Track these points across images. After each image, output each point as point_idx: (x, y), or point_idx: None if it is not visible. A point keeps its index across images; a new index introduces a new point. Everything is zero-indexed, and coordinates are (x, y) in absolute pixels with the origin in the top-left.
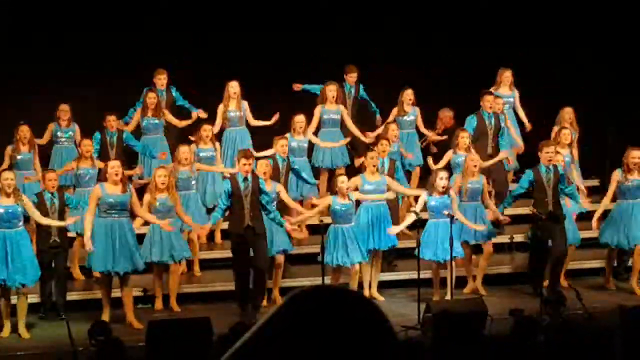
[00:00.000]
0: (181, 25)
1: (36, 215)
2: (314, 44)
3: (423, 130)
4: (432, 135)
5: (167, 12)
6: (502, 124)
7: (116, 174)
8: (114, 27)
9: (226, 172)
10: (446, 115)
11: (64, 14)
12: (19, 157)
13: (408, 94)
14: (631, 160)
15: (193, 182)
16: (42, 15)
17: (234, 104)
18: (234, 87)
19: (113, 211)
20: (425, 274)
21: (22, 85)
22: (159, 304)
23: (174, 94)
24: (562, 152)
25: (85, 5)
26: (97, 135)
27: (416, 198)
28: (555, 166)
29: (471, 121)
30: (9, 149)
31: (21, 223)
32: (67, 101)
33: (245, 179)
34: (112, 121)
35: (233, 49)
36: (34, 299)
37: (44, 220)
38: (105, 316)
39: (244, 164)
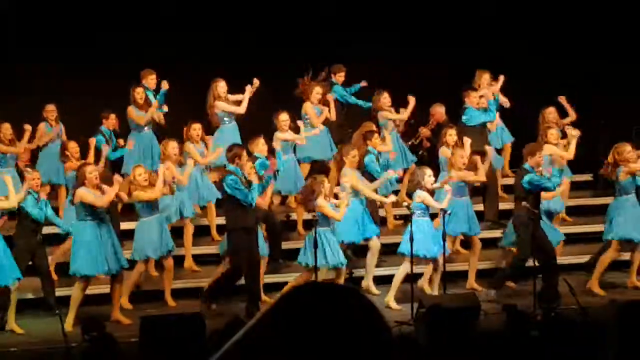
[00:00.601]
0: (172, 25)
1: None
2: (304, 44)
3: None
4: (424, 131)
5: (164, 13)
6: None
7: (95, 178)
8: (113, 28)
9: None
10: (438, 111)
11: (64, 15)
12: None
13: (386, 97)
14: (628, 156)
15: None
16: (42, 16)
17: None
18: (222, 87)
19: (97, 213)
20: (418, 269)
21: (17, 85)
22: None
23: (162, 96)
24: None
25: (85, 6)
26: (101, 138)
27: (409, 194)
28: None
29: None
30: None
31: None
32: (59, 101)
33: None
34: (113, 119)
35: (220, 47)
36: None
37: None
38: (70, 320)
39: (247, 159)
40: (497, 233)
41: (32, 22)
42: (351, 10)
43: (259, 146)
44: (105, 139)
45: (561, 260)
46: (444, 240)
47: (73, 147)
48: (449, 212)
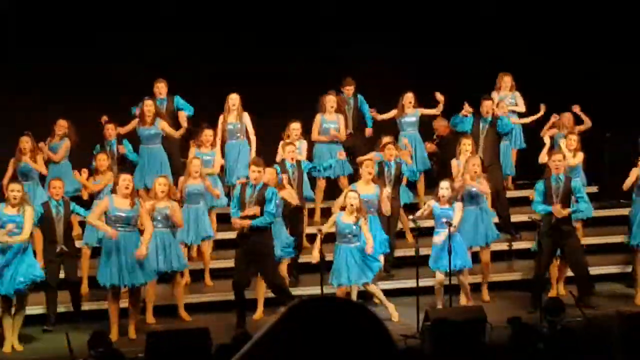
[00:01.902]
0: (172, 25)
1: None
2: (304, 44)
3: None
4: (429, 147)
5: (164, 13)
6: (504, 129)
7: (126, 188)
8: (113, 28)
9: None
10: (441, 125)
11: (64, 15)
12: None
13: (409, 97)
14: None
15: (200, 198)
16: (42, 16)
17: (233, 117)
18: (232, 99)
19: (119, 225)
20: (423, 283)
21: (17, 85)
22: (150, 317)
23: (175, 101)
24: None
25: (85, 6)
26: (97, 148)
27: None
28: (566, 176)
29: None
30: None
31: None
32: (59, 101)
33: (253, 186)
34: (110, 129)
35: (220, 47)
36: (38, 310)
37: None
38: (114, 334)
39: (252, 171)
40: (502, 245)
41: (32, 22)
42: (351, 10)
43: (285, 152)
44: (104, 149)
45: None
46: (450, 254)
47: (100, 159)
48: (454, 225)
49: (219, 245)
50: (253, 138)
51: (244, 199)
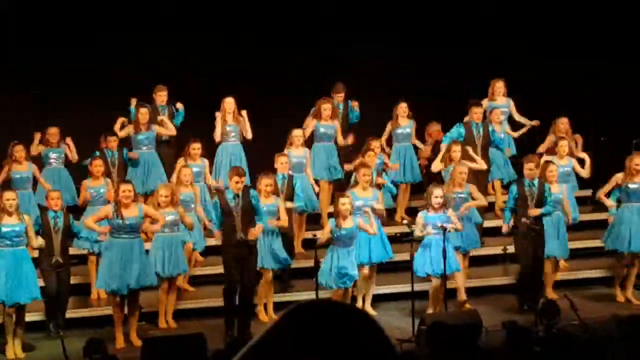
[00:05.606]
0: (172, 25)
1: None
2: (304, 44)
3: (415, 142)
4: (425, 149)
5: (164, 13)
6: (496, 136)
7: (127, 198)
8: (113, 28)
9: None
10: (434, 130)
11: (64, 15)
12: (17, 175)
13: (403, 107)
14: (634, 167)
15: (192, 204)
16: (42, 16)
17: (231, 119)
18: (229, 103)
19: (122, 232)
20: (418, 287)
21: (17, 85)
22: (171, 322)
23: (174, 110)
24: (561, 162)
25: (85, 6)
26: (96, 153)
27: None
28: (540, 181)
29: (459, 130)
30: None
31: (24, 241)
32: (59, 101)
33: (236, 195)
34: (112, 142)
35: (230, 65)
36: (37, 316)
37: (35, 243)
38: (119, 342)
39: (236, 182)
40: (496, 249)
41: (32, 22)
42: (351, 10)
43: (277, 163)
44: (105, 159)
45: (563, 275)
46: (445, 258)
47: (96, 165)
48: (448, 228)
49: (210, 251)
50: (249, 136)
51: (230, 208)
